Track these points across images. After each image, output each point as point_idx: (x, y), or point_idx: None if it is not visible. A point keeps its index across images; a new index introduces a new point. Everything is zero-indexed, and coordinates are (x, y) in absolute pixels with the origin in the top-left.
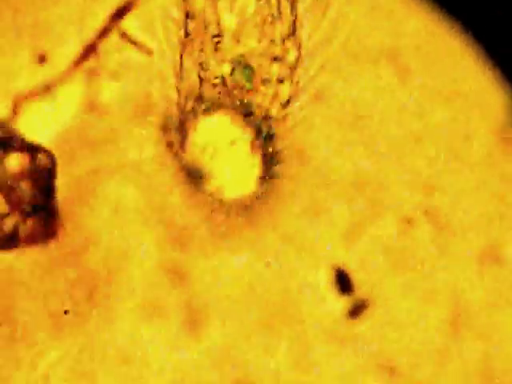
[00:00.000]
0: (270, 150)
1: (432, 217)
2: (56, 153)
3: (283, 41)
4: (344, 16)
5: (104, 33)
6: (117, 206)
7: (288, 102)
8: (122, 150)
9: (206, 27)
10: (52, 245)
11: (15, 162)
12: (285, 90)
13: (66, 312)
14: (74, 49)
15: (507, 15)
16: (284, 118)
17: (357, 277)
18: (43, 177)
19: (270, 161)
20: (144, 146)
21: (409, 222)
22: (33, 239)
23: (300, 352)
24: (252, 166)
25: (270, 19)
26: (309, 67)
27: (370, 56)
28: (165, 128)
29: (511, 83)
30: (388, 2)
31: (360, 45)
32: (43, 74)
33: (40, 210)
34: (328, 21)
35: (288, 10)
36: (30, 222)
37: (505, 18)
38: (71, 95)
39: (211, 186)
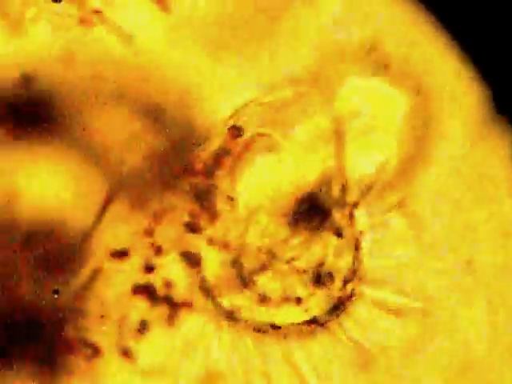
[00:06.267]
0: None
1: (408, 214)
2: None
3: None
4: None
5: None
6: None
7: None
8: None
9: None
10: None
11: None
12: None
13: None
14: None
15: (485, 14)
16: None
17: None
18: None
19: None
20: None
21: (386, 220)
22: None
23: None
24: None
25: None
26: None
27: (351, 50)
28: None
29: (487, 79)
30: None
31: (340, 39)
32: None
33: None
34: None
35: None
36: None
37: (482, 17)
38: None
39: None
